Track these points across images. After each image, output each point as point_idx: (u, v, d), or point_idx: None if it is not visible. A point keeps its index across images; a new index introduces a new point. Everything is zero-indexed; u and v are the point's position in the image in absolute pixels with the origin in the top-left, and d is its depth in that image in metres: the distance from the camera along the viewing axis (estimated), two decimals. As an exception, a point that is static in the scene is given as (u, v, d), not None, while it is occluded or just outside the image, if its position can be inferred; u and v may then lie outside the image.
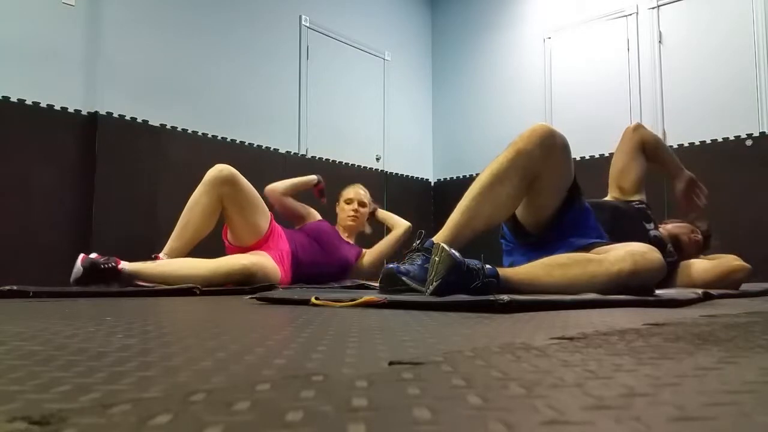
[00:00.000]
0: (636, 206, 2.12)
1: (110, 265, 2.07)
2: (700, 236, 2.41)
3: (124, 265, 2.11)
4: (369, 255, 3.03)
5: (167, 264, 2.23)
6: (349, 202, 3.07)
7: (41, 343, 0.63)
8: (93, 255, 2.11)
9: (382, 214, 3.28)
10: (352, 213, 3.03)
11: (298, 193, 3.02)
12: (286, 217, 2.97)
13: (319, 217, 3.03)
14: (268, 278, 2.34)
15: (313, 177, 3.05)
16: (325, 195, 3.09)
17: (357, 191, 3.10)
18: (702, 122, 4.00)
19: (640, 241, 1.80)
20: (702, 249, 2.44)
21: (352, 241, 3.05)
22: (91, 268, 2.05)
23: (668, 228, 2.38)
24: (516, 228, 1.75)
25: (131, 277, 2.11)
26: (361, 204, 3.07)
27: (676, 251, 2.23)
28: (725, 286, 2.17)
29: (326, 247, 2.81)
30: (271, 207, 2.73)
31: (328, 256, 2.80)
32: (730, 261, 2.35)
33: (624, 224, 1.92)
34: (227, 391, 0.38)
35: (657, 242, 2.09)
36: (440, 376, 0.43)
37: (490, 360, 0.50)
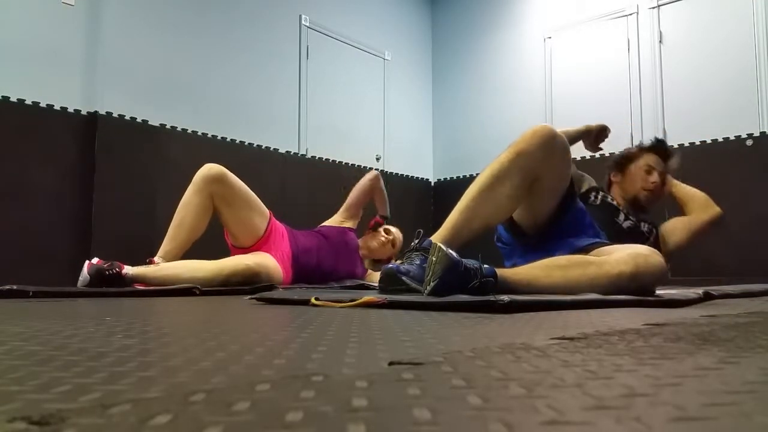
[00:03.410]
0: (597, 203, 2.10)
1: (114, 271, 2.08)
2: (656, 178, 2.25)
3: (128, 270, 2.12)
4: (374, 277, 3.03)
5: (170, 267, 2.22)
6: (387, 232, 3.10)
7: (41, 343, 0.63)
8: (95, 260, 2.12)
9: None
10: (384, 239, 3.04)
11: (368, 201, 3.12)
12: (355, 199, 3.05)
13: (354, 227, 3.06)
14: (272, 278, 2.34)
15: (388, 213, 3.14)
16: (376, 228, 3.12)
17: (395, 232, 3.13)
18: (702, 122, 4.00)
19: (618, 235, 1.79)
20: (665, 176, 2.29)
21: (366, 263, 3.06)
22: (96, 275, 2.06)
23: (622, 186, 2.27)
24: (513, 228, 1.75)
25: (135, 282, 2.12)
26: (393, 243, 3.09)
27: (642, 209, 2.19)
28: (704, 236, 2.15)
29: (343, 255, 2.82)
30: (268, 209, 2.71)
31: (339, 263, 2.80)
32: (700, 216, 2.26)
33: (598, 223, 1.89)
34: (227, 391, 0.38)
35: (632, 232, 2.08)
36: (440, 377, 0.43)
37: (490, 360, 0.50)
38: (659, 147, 2.31)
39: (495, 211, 1.58)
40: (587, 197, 2.12)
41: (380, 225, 3.13)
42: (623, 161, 2.33)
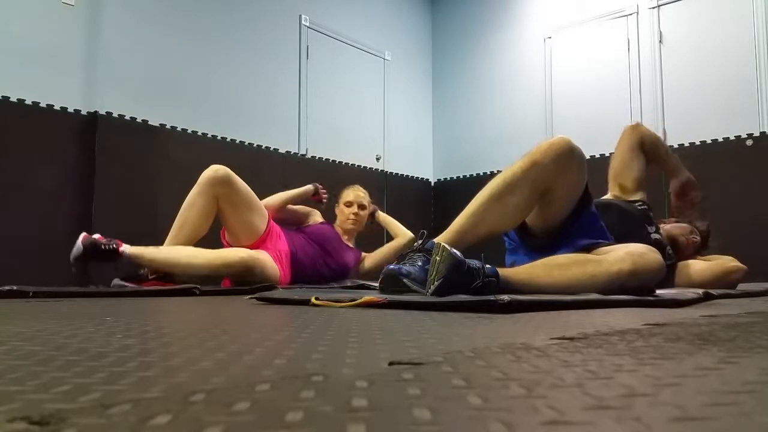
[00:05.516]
0: (639, 207, 2.12)
1: (111, 247, 2.07)
2: (698, 238, 2.40)
3: (125, 248, 2.11)
4: (369, 260, 3.03)
5: (168, 250, 2.24)
6: (348, 204, 3.02)
7: (41, 343, 0.63)
8: (96, 236, 2.12)
9: (383, 217, 3.24)
10: (353, 216, 3.00)
11: (286, 209, 2.93)
12: (286, 224, 2.93)
13: (320, 219, 3.01)
14: (266, 275, 2.34)
15: (309, 188, 2.96)
16: (323, 200, 3.03)
17: (357, 194, 3.06)
18: (702, 122, 4.00)
19: (640, 243, 1.79)
20: (699, 250, 2.44)
21: (351, 244, 3.04)
22: (91, 247, 2.05)
23: (667, 228, 2.38)
24: (522, 229, 1.74)
25: (131, 260, 2.11)
26: (361, 207, 3.03)
27: (674, 252, 2.23)
28: (722, 286, 2.17)
29: (328, 250, 2.82)
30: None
31: (328, 258, 2.81)
32: (726, 262, 2.35)
33: (627, 226, 1.92)
34: (227, 391, 0.38)
35: (657, 245, 2.09)
36: (440, 377, 0.43)
37: (490, 360, 0.50)
38: (706, 233, 2.47)
39: (502, 219, 1.56)
40: (635, 202, 2.14)
41: (321, 200, 2.99)
42: (675, 219, 2.46)
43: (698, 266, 2.31)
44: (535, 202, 1.57)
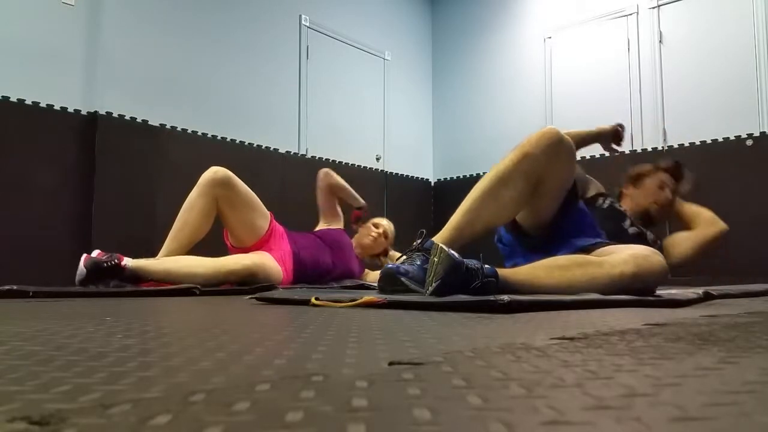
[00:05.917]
0: (604, 206, 2.12)
1: (113, 263, 2.08)
2: (668, 193, 2.32)
3: (127, 261, 2.11)
4: (370, 277, 3.06)
5: (171, 261, 2.24)
6: (376, 225, 3.15)
7: (41, 343, 0.63)
8: (95, 253, 2.11)
9: (394, 255, 3.32)
10: (374, 235, 3.10)
11: (336, 200, 3.11)
12: (322, 202, 3.06)
13: (341, 226, 3.10)
14: (270, 278, 2.35)
15: (363, 202, 3.14)
16: (360, 218, 3.15)
17: (384, 222, 3.21)
18: (702, 122, 4.00)
19: (624, 240, 1.80)
20: (677, 195, 2.35)
21: (366, 262, 3.12)
22: (93, 268, 2.05)
23: (634, 197, 2.31)
24: (515, 229, 1.75)
25: (135, 274, 2.11)
26: (385, 235, 3.15)
27: (650, 222, 2.21)
28: (710, 251, 2.17)
29: (336, 251, 2.84)
30: (268, 207, 2.74)
31: (335, 258, 2.82)
32: (705, 231, 2.32)
33: (605, 227, 1.91)
34: (227, 391, 0.38)
35: (639, 237, 2.10)
36: (440, 377, 0.43)
37: (490, 360, 0.50)
38: (675, 168, 2.36)
39: (498, 213, 1.57)
40: (595, 201, 2.12)
41: (360, 218, 3.15)
42: (638, 176, 2.37)
43: (682, 241, 2.29)
44: (530, 194, 1.58)
